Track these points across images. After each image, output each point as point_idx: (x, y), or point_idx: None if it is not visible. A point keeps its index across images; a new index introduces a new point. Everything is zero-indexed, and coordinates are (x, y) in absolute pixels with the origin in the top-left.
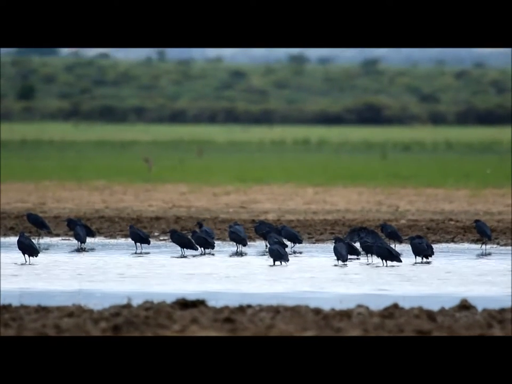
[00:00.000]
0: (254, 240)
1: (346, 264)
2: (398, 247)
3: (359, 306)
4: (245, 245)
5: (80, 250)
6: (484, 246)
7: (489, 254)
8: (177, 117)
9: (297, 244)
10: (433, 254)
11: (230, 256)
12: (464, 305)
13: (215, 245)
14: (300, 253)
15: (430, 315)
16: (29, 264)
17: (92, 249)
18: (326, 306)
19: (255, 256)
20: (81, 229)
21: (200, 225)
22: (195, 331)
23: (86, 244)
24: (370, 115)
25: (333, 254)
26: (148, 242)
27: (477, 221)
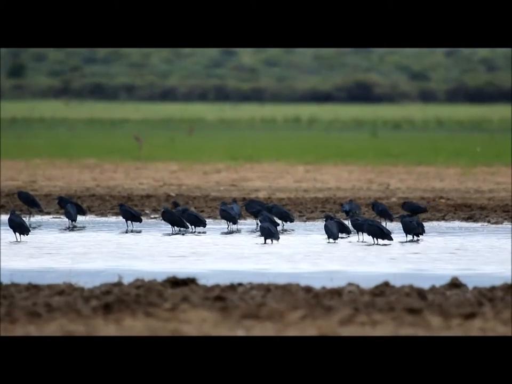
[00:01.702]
0: (244, 219)
1: (337, 242)
2: (388, 225)
3: (350, 284)
4: (235, 223)
5: (71, 228)
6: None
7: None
8: (167, 95)
9: (288, 222)
10: (424, 232)
11: (221, 234)
12: (455, 283)
13: (206, 223)
14: (292, 230)
15: (421, 293)
16: (20, 242)
17: (83, 227)
18: (317, 285)
19: (246, 235)
20: (72, 207)
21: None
22: (186, 309)
23: (77, 222)
24: (361, 93)
25: (324, 232)
26: (140, 220)
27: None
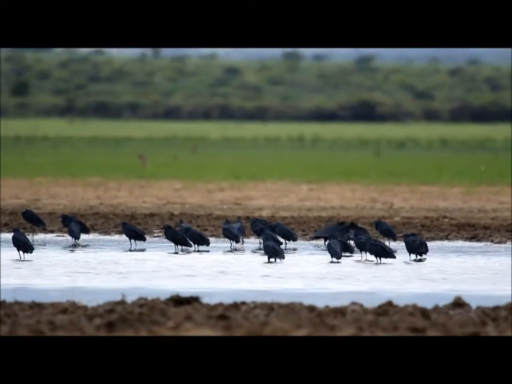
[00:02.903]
0: (248, 237)
1: (340, 262)
2: (392, 245)
3: (353, 303)
4: (237, 241)
5: (74, 246)
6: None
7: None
8: (171, 114)
9: (291, 241)
10: (427, 252)
11: (224, 253)
12: (458, 303)
13: (209, 241)
14: (294, 249)
15: (424, 312)
16: (23, 261)
17: (86, 246)
18: (320, 304)
19: (250, 253)
20: (75, 225)
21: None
22: (189, 328)
23: (80, 240)
24: (365, 112)
25: (327, 251)
26: (144, 239)
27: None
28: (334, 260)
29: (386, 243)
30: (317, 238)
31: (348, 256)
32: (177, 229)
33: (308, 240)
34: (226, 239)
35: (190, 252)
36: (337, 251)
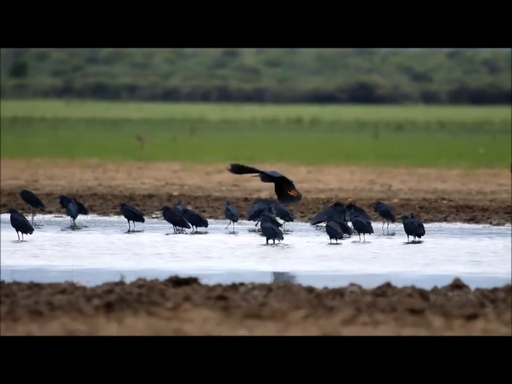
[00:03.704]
0: (246, 218)
1: (340, 243)
2: (390, 226)
3: (352, 284)
4: (235, 220)
5: (72, 227)
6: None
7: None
8: (170, 95)
9: (288, 222)
10: (424, 233)
11: (223, 234)
12: (457, 285)
13: (208, 223)
14: (293, 230)
15: (423, 294)
16: (22, 241)
17: (85, 227)
18: (319, 285)
19: (248, 234)
20: (73, 205)
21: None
22: (188, 309)
23: (78, 221)
24: (363, 94)
25: (326, 232)
26: (142, 220)
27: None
28: (333, 241)
29: (385, 225)
30: (318, 222)
31: (346, 238)
32: (176, 209)
33: (310, 224)
34: (225, 220)
35: (188, 233)
36: (338, 231)
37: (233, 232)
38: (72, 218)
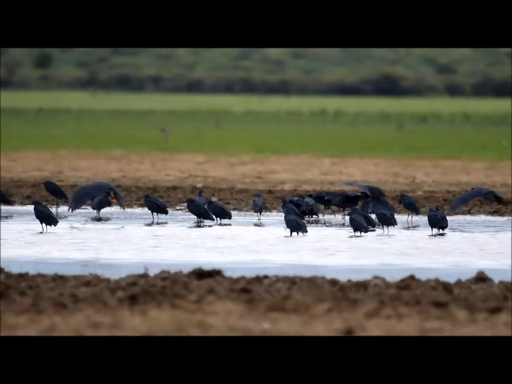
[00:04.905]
0: (270, 211)
1: (364, 235)
2: (414, 219)
3: (376, 277)
4: (260, 212)
5: (97, 219)
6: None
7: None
8: (194, 87)
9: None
10: (447, 226)
11: (247, 226)
12: (481, 278)
13: (231, 215)
14: (316, 222)
15: (447, 287)
16: (46, 233)
17: (109, 219)
18: (343, 278)
19: (272, 227)
20: (98, 197)
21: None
22: (211, 301)
23: (102, 213)
24: (387, 86)
25: (350, 225)
26: (166, 212)
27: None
28: (357, 233)
29: (409, 217)
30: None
31: (370, 230)
32: (197, 198)
33: (330, 214)
34: (249, 212)
35: (212, 226)
36: (363, 224)
37: (259, 225)
38: (97, 211)
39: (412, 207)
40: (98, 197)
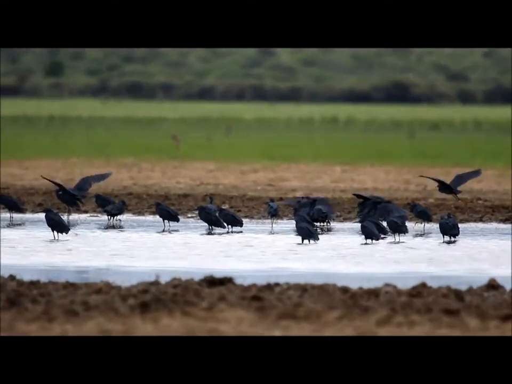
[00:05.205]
0: (282, 218)
1: (375, 243)
2: (426, 226)
3: (387, 285)
4: (276, 216)
5: (109, 227)
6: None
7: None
8: (205, 94)
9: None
10: (458, 233)
11: (258, 234)
12: (492, 285)
13: (243, 222)
14: (328, 230)
15: (458, 294)
16: (57, 241)
17: (120, 226)
18: (354, 285)
19: (284, 235)
20: (113, 204)
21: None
22: (223, 309)
23: (114, 220)
24: (398, 93)
25: (361, 232)
26: (177, 220)
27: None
28: (369, 241)
29: (421, 225)
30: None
31: (382, 238)
32: (208, 205)
33: (341, 221)
34: (260, 220)
35: (223, 233)
36: (375, 232)
37: (273, 233)
38: (112, 218)
39: (424, 215)
40: (119, 203)
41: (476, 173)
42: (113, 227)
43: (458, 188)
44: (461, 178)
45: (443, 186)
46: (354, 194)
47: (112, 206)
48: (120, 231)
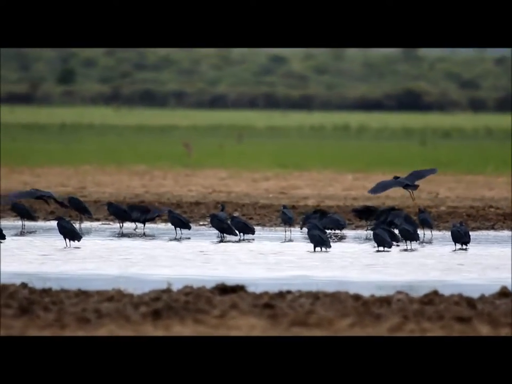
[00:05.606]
0: (294, 226)
1: (387, 251)
2: (436, 234)
3: (399, 292)
4: (291, 224)
5: (121, 235)
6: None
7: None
8: (217, 102)
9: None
10: (470, 241)
11: (270, 241)
12: (504, 293)
13: (254, 230)
14: (341, 238)
15: (470, 302)
16: (69, 248)
17: (132, 234)
18: (366, 293)
19: (296, 242)
20: (136, 212)
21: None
22: (235, 316)
23: (125, 228)
24: (410, 101)
25: (374, 240)
26: (189, 227)
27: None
28: (381, 249)
29: (427, 232)
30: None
31: (394, 246)
32: (221, 213)
33: (353, 229)
34: (272, 227)
35: (235, 241)
36: (387, 240)
37: (287, 240)
38: (121, 225)
39: (425, 223)
40: (153, 212)
41: (432, 171)
42: (122, 234)
43: (416, 183)
44: (417, 174)
45: (400, 182)
46: (353, 211)
47: (148, 213)
48: (132, 239)
